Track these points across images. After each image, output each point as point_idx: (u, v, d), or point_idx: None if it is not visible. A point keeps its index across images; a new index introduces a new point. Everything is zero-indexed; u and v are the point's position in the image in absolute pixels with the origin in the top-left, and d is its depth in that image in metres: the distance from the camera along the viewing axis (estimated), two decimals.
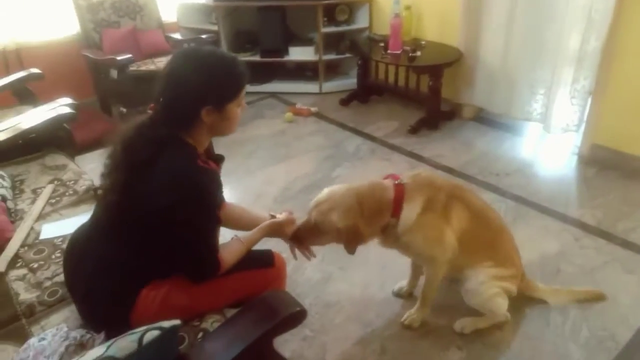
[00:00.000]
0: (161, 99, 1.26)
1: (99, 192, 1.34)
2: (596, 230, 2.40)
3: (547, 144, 3.31)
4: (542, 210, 2.57)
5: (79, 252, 1.37)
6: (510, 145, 3.33)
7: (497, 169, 3.02)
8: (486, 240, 1.76)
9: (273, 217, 1.62)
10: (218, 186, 1.28)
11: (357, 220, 1.54)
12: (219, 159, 1.43)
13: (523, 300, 1.97)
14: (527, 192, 2.75)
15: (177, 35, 4.07)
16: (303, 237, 1.62)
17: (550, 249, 2.29)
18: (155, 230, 1.23)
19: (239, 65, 1.29)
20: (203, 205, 1.23)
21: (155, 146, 1.21)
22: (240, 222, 1.66)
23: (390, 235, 1.65)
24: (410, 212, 1.59)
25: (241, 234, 1.50)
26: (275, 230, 1.56)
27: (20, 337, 1.36)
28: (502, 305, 1.78)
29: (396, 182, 1.62)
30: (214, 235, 1.30)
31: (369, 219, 1.57)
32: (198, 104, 1.23)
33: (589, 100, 3.00)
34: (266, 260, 1.48)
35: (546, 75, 3.15)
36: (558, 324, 1.88)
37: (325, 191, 1.62)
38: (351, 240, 1.58)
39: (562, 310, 1.93)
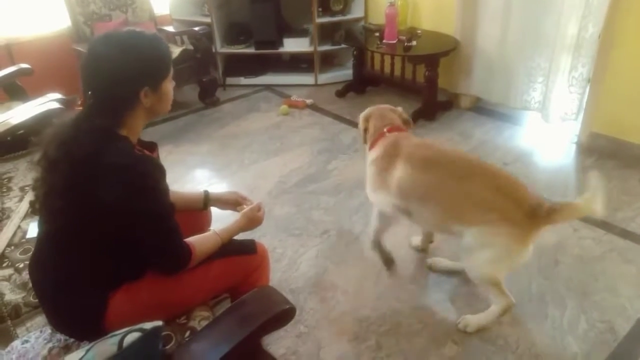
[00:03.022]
0: (93, 91, 1.18)
1: (36, 205, 1.25)
2: (595, 220, 2.36)
3: (545, 133, 3.27)
4: None
5: (38, 268, 1.31)
6: (509, 135, 3.28)
7: (495, 159, 2.97)
8: (456, 193, 1.68)
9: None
10: (161, 172, 1.23)
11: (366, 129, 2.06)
12: (152, 146, 1.37)
13: (520, 291, 1.95)
14: (526, 182, 2.65)
15: (169, 28, 4.02)
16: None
17: (548, 240, 2.25)
18: (109, 232, 1.18)
19: (162, 40, 1.27)
20: (152, 192, 1.18)
21: (95, 139, 1.15)
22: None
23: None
24: (373, 153, 1.95)
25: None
26: (250, 217, 1.53)
27: (5, 338, 1.34)
28: (494, 289, 1.71)
29: (385, 130, 1.97)
30: (172, 221, 1.24)
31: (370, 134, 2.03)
32: (136, 87, 1.19)
33: (587, 88, 2.95)
34: (248, 247, 1.47)
35: (544, 63, 3.10)
36: (556, 316, 1.85)
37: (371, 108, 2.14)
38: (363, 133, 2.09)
39: (559, 303, 1.90)
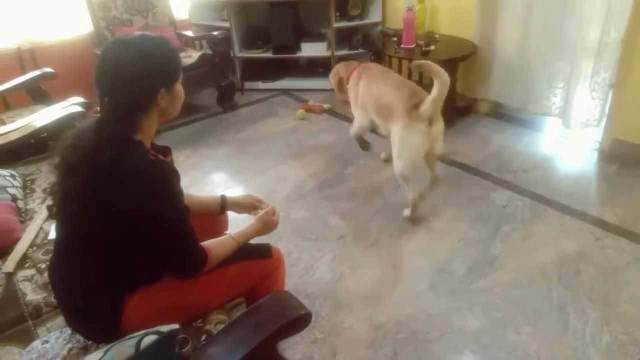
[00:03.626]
0: (112, 96, 1.19)
1: (54, 209, 1.27)
2: (617, 229, 2.31)
3: (566, 139, 3.21)
4: (561, 209, 2.49)
5: (55, 271, 1.31)
6: (528, 142, 3.24)
7: (515, 166, 2.93)
8: (384, 100, 2.42)
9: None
10: (176, 176, 1.24)
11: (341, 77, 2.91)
12: (166, 151, 1.38)
13: (540, 301, 1.91)
14: (545, 190, 2.66)
15: (188, 33, 4.06)
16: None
17: (569, 248, 2.21)
18: (124, 236, 1.19)
19: (171, 43, 1.28)
20: (168, 196, 1.19)
21: (114, 145, 1.16)
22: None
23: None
24: (350, 82, 2.78)
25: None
26: (265, 221, 1.54)
27: (25, 338, 1.36)
28: (405, 185, 2.42)
29: (356, 64, 2.84)
30: (187, 224, 1.25)
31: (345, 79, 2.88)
32: (154, 89, 1.20)
33: (610, 94, 2.89)
34: (264, 251, 1.48)
35: (565, 68, 3.05)
36: (578, 327, 1.81)
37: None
38: (337, 86, 2.94)
39: (581, 314, 1.86)
